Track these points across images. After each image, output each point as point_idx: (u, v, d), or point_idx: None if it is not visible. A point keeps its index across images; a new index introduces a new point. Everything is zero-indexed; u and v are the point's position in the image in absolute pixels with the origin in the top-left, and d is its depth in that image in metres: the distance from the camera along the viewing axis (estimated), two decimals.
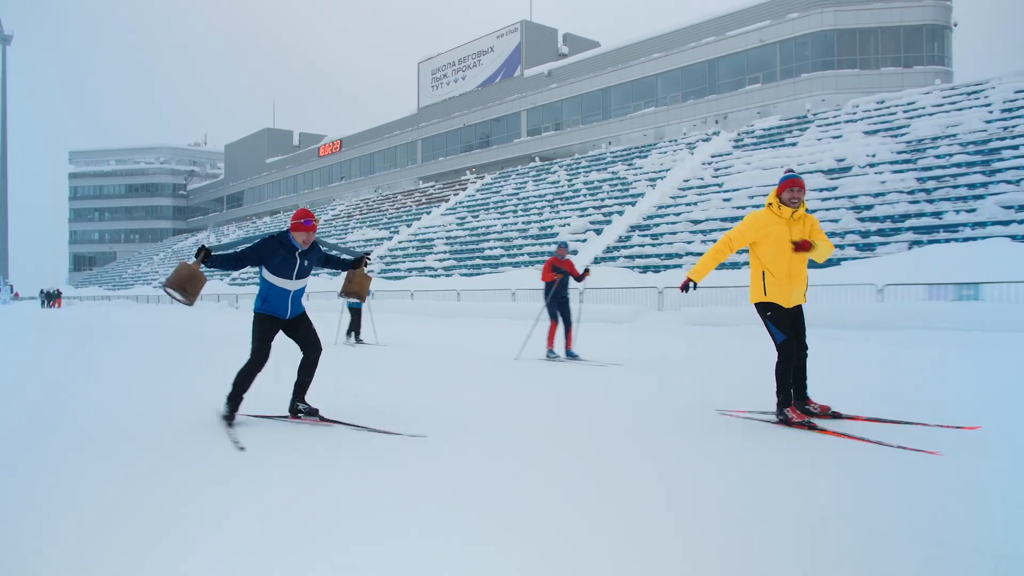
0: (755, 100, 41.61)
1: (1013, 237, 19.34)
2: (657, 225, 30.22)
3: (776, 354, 5.44)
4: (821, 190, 26.42)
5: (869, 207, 24.23)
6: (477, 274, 33.38)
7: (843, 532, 3.03)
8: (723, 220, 27.89)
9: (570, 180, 41.78)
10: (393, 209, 56.08)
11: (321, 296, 31.82)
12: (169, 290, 5.46)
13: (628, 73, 48.01)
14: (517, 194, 44.11)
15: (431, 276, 35.59)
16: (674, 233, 28.72)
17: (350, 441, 4.95)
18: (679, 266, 25.73)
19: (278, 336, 5.74)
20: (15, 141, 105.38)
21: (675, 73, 45.47)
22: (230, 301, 43.63)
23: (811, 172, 28.11)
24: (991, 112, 27.35)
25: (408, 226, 48.42)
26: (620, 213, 33.18)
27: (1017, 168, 22.59)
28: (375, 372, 9.54)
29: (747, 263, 24.37)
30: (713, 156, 35.75)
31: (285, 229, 5.68)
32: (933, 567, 2.67)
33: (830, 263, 21.19)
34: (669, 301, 19.93)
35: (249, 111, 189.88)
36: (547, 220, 36.72)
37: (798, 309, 5.55)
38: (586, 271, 11.06)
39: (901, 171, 25.54)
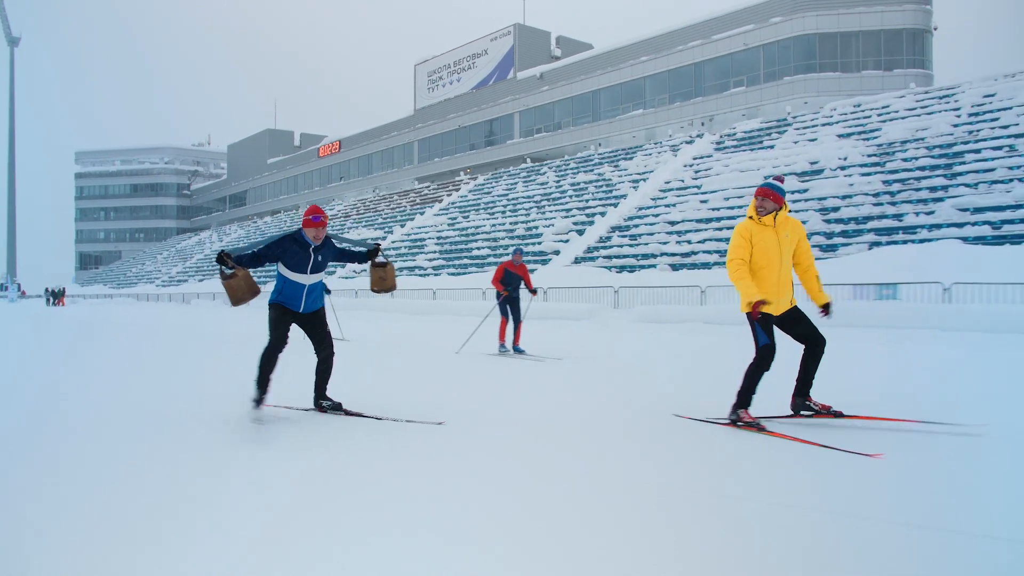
0: (739, 103, 42.35)
1: (964, 239, 20.09)
2: (636, 226, 31.01)
3: (754, 356, 5.44)
4: (793, 192, 27.14)
5: (836, 209, 24.98)
6: (463, 273, 34.23)
7: (840, 532, 3.09)
8: (698, 221, 28.67)
9: (558, 182, 42.61)
10: (389, 209, 56.98)
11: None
12: (243, 304, 5.79)
13: (617, 76, 48.80)
14: (507, 195, 44.94)
15: (420, 275, 36.44)
16: (651, 234, 29.50)
17: (354, 434, 5.14)
18: (653, 266, 26.52)
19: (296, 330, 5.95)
20: (23, 141, 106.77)
21: (663, 76, 46.23)
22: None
23: (785, 175, 28.87)
24: (959, 116, 28.04)
25: (402, 226, 49.30)
26: (602, 214, 33.97)
27: (976, 172, 23.31)
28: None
29: (698, 264, 25.25)
30: (695, 158, 36.52)
31: (299, 227, 5.92)
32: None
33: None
34: (623, 300, 20.79)
35: (251, 112, 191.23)
36: (533, 221, 37.53)
37: (797, 312, 5.51)
38: (534, 292, 11.93)
39: (869, 174, 26.28)
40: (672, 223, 29.59)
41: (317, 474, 4.06)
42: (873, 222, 23.27)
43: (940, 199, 22.69)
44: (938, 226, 21.34)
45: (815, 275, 5.55)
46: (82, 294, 74.81)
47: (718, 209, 28.84)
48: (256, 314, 16.79)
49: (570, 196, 39.06)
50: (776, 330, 5.49)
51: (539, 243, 33.55)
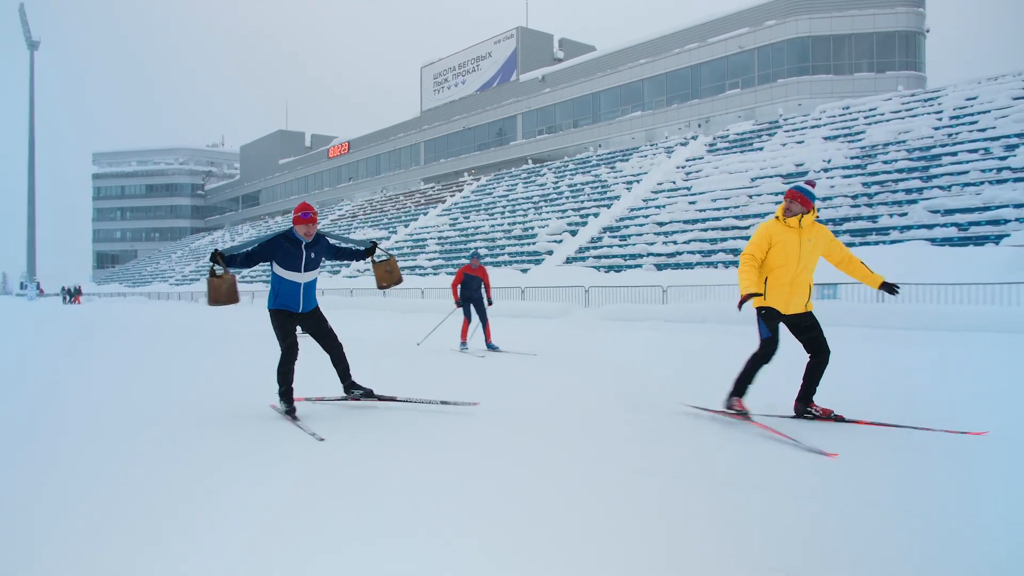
0: (735, 105, 43.00)
1: (932, 240, 20.77)
2: (627, 227, 31.76)
3: (757, 347, 5.53)
4: (776, 194, 27.85)
5: (816, 210, 25.61)
6: None
7: (835, 531, 3.13)
8: (685, 222, 29.40)
9: (556, 183, 43.42)
10: (394, 209, 57.98)
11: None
12: (218, 305, 5.86)
13: (617, 78, 49.55)
14: (507, 196, 45.79)
15: (420, 275, 37.34)
16: (640, 235, 30.25)
17: (354, 435, 5.19)
18: (640, 266, 27.30)
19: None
20: (42, 143, 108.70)
21: (661, 78, 46.95)
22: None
23: (771, 176, 29.58)
24: (940, 119, 28.61)
25: (406, 226, 50.26)
26: (595, 215, 34.73)
27: (951, 174, 23.91)
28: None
29: (681, 264, 26.01)
30: (687, 160, 37.22)
31: (290, 226, 5.95)
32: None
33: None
34: (593, 298, 21.67)
35: (263, 113, 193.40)
36: (530, 221, 38.35)
37: (810, 319, 5.54)
38: (490, 303, 12.65)
39: (850, 176, 26.92)
40: (660, 224, 30.34)
41: (315, 474, 4.08)
42: (849, 223, 23.92)
43: (914, 201, 23.32)
44: (910, 227, 21.98)
45: (859, 262, 5.55)
46: (98, 292, 76.32)
47: (704, 210, 29.57)
48: (257, 314, 17.58)
49: (567, 197, 39.86)
50: (784, 331, 5.56)
51: (534, 243, 34.39)
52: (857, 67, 39.74)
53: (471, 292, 12.50)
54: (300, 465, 4.30)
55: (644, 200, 34.30)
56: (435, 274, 36.81)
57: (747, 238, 25.66)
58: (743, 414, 5.48)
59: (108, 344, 15.34)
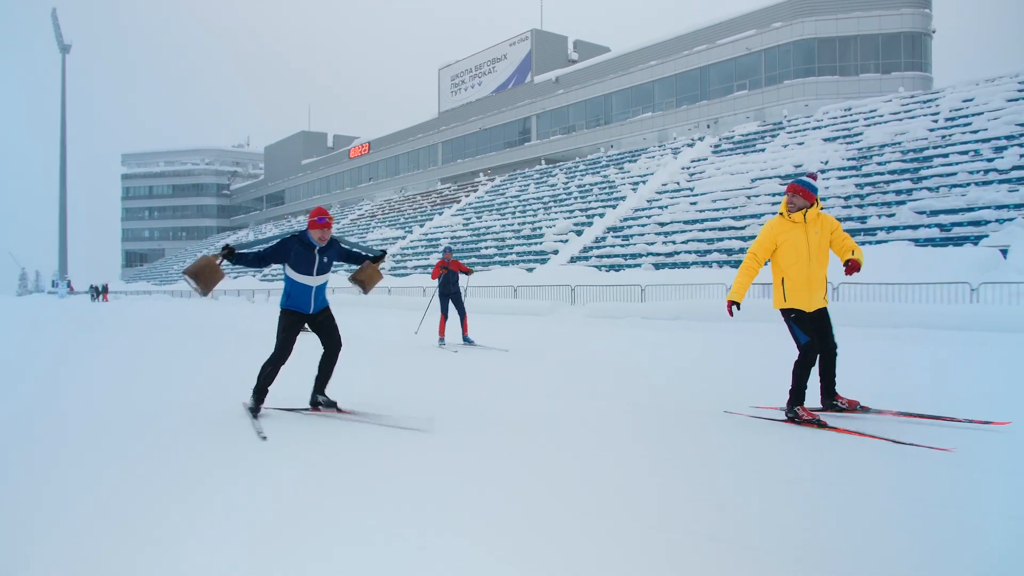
0: (743, 106, 43.59)
1: (916, 241, 21.41)
2: (630, 227, 32.58)
3: (798, 354, 5.54)
4: (774, 195, 28.56)
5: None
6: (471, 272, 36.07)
7: (836, 531, 3.16)
8: (686, 223, 30.17)
9: (566, 183, 44.33)
10: (411, 209, 59.20)
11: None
12: (186, 277, 5.70)
13: (628, 80, 50.32)
14: (519, 196, 46.77)
15: (428, 273, 38.35)
16: (641, 235, 31.07)
17: (354, 435, 5.18)
18: (639, 265, 28.13)
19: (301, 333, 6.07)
20: (73, 145, 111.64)
21: (670, 79, 47.66)
22: (248, 296, 47.16)
23: (770, 177, 30.27)
24: (935, 121, 29.11)
25: (421, 226, 51.45)
26: (601, 215, 35.59)
27: (940, 175, 24.48)
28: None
29: (678, 264, 26.78)
30: (692, 161, 37.95)
31: (304, 228, 5.93)
32: (927, 567, 2.74)
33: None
34: (578, 296, 22.69)
35: (287, 114, 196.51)
36: (539, 221, 39.29)
37: (822, 311, 5.59)
38: (470, 272, 13.62)
39: (845, 177, 27.53)
40: (662, 224, 31.14)
41: (315, 475, 4.08)
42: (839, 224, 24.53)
43: (903, 202, 23.92)
44: (896, 228, 22.61)
45: (852, 249, 5.53)
46: (125, 290, 78.42)
47: (703, 211, 30.33)
48: (272, 311, 18.39)
49: (575, 197, 40.75)
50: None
51: (540, 243, 35.34)
52: (863, 68, 40.16)
53: (449, 288, 13.33)
54: (300, 466, 4.29)
55: (648, 201, 35.09)
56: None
57: (742, 238, 26.42)
58: (816, 422, 5.37)
59: (116, 340, 15.57)
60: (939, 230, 21.42)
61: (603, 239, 32.79)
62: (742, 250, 25.58)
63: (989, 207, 21.27)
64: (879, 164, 27.40)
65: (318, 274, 5.89)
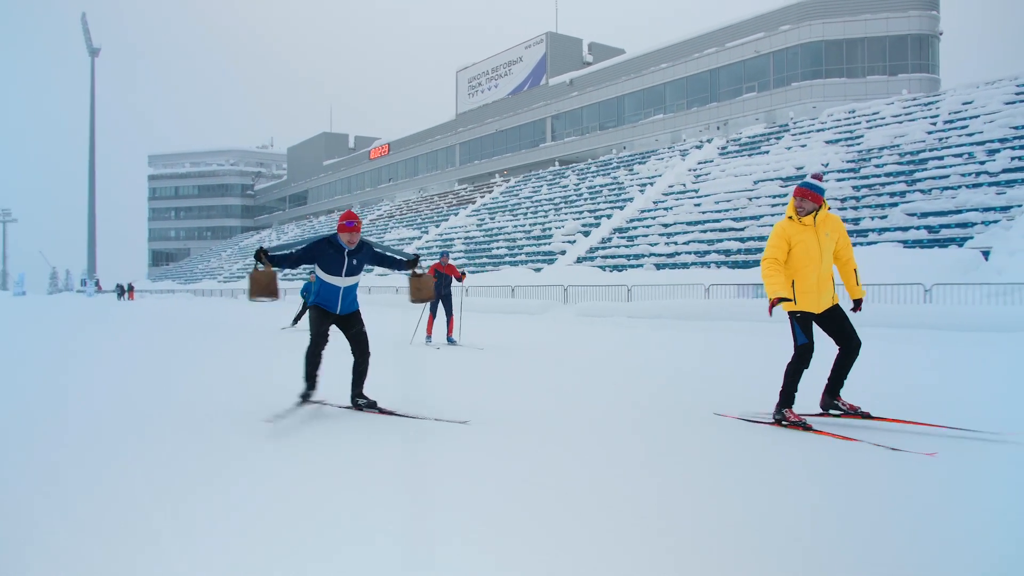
0: (752, 108, 44.17)
1: (905, 243, 22.03)
2: (635, 228, 33.38)
3: (793, 355, 5.51)
4: (774, 196, 29.23)
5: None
6: (481, 271, 37.14)
7: (836, 533, 3.17)
8: (688, 224, 30.92)
9: (577, 185, 45.18)
10: (428, 210, 60.35)
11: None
12: (258, 300, 5.99)
13: (640, 82, 51.06)
14: (532, 197, 47.69)
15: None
16: (645, 236, 31.85)
17: (354, 435, 5.20)
18: (641, 265, 28.93)
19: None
20: (102, 146, 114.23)
21: (681, 82, 48.34)
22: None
23: (771, 179, 30.92)
24: (934, 124, 29.59)
25: (437, 226, 52.53)
26: (608, 216, 36.41)
27: (934, 178, 25.04)
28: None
29: (678, 264, 27.55)
30: (699, 163, 38.63)
31: (334, 232, 6.09)
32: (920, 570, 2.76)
33: (752, 264, 24.38)
34: (570, 296, 23.64)
35: (310, 115, 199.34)
36: (549, 222, 40.18)
37: (837, 311, 5.52)
38: (462, 277, 14.51)
39: (843, 179, 28.12)
40: (665, 225, 31.89)
41: (316, 475, 4.09)
42: None
43: (895, 204, 24.52)
44: (887, 230, 23.23)
45: (854, 268, 5.57)
46: (150, 289, 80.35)
47: (706, 212, 31.05)
48: (282, 308, 19.14)
49: (585, 199, 41.59)
50: (816, 329, 5.55)
51: (549, 244, 36.24)
52: (870, 70, 40.57)
53: (441, 290, 14.19)
54: (300, 466, 4.29)
55: (655, 202, 35.84)
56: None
57: (740, 239, 27.13)
58: (802, 425, 5.37)
59: (124, 337, 15.80)
60: (927, 232, 22.02)
61: (609, 240, 33.61)
62: (739, 251, 26.33)
63: (976, 209, 21.83)
64: (876, 166, 27.97)
65: (347, 276, 6.06)
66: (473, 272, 37.48)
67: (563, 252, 34.46)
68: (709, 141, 41.70)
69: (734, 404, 6.24)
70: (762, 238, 26.05)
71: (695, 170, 37.79)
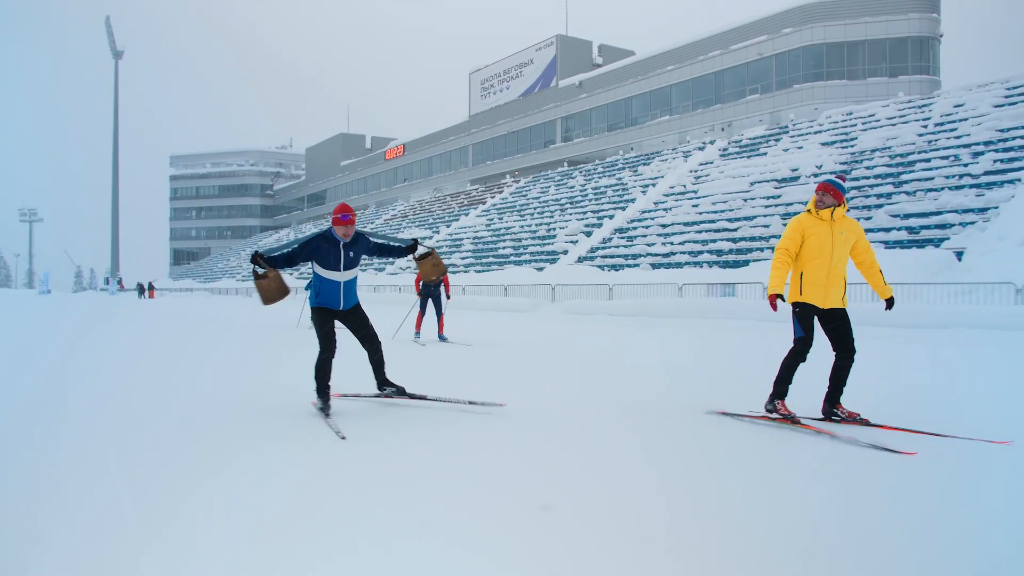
0: (755, 109, 44.88)
1: (886, 243, 22.75)
2: (635, 229, 34.24)
3: (791, 347, 5.57)
4: (767, 198, 30.02)
5: (796, 214, 27.68)
6: (487, 271, 38.17)
7: (836, 532, 3.18)
8: (685, 224, 31.74)
9: (583, 186, 46.12)
10: (440, 210, 61.53)
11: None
12: (274, 303, 6.11)
13: (647, 84, 51.90)
14: (539, 198, 48.67)
15: (451, 273, 40.42)
16: (644, 236, 32.72)
17: (354, 435, 5.12)
18: (637, 265, 29.81)
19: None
20: (125, 147, 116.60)
21: (687, 84, 49.15)
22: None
23: (767, 181, 31.70)
24: (925, 126, 30.23)
25: (447, 226, 53.66)
26: (611, 217, 37.30)
27: (920, 180, 25.73)
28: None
29: (672, 264, 28.39)
30: (700, 164, 39.43)
31: (329, 226, 6.01)
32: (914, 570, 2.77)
33: (741, 264, 25.25)
34: (558, 294, 24.67)
35: (328, 116, 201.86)
36: (554, 223, 41.12)
37: (843, 315, 5.54)
38: (448, 297, 15.35)
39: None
40: (664, 226, 32.72)
41: (316, 475, 4.09)
42: None
43: (880, 206, 25.23)
44: (871, 231, 23.91)
45: (878, 270, 5.61)
46: (170, 288, 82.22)
47: (703, 213, 31.88)
48: (285, 309, 19.97)
49: (590, 199, 42.51)
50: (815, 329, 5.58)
51: (553, 243, 37.20)
52: (871, 72, 41.14)
53: (430, 289, 15.22)
54: (300, 467, 4.28)
55: (655, 203, 36.69)
56: (466, 271, 39.96)
57: (732, 239, 27.96)
58: (790, 418, 5.45)
59: (132, 334, 16.16)
60: (907, 232, 22.73)
61: (609, 240, 34.49)
62: (731, 250, 27.16)
63: (956, 211, 22.52)
64: (867, 168, 28.63)
65: (345, 269, 5.98)
66: (480, 272, 38.60)
67: (565, 252, 35.37)
68: (712, 143, 42.49)
69: (716, 400, 6.38)
70: (754, 238, 26.88)
71: (696, 171, 38.61)
